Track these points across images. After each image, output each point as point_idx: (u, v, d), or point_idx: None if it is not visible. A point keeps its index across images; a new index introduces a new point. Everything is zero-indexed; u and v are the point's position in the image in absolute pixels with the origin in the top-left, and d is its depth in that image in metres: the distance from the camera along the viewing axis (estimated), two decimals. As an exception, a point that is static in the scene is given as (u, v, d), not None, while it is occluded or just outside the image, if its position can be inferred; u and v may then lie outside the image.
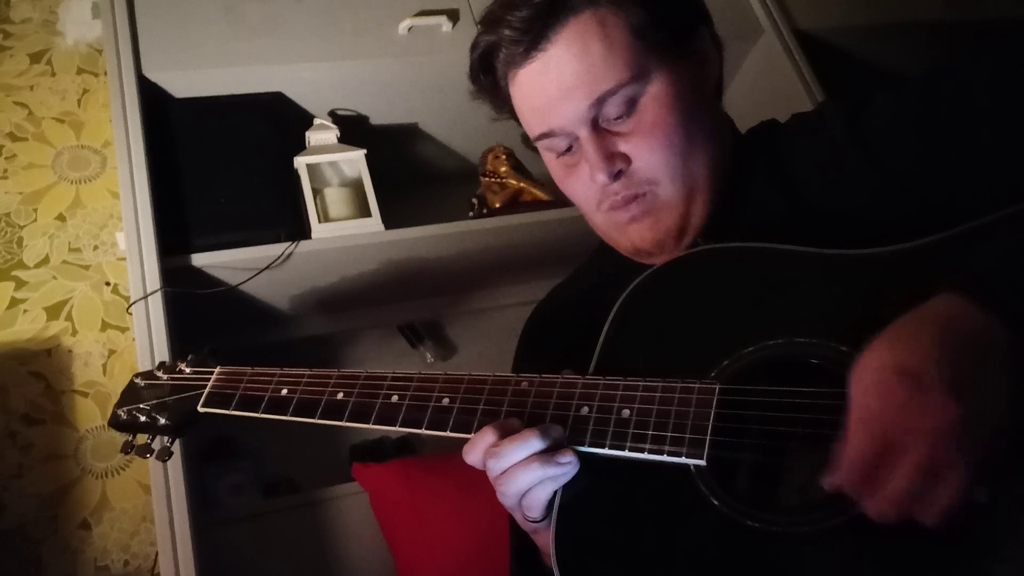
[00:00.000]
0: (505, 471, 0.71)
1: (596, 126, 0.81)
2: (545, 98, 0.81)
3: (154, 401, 0.94)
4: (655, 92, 0.80)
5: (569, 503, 0.71)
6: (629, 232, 0.84)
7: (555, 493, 0.72)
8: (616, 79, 0.79)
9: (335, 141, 1.61)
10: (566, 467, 0.70)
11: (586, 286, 1.00)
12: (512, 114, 0.88)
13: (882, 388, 0.56)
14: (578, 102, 0.79)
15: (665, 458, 0.68)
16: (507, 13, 0.81)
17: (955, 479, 0.53)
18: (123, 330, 1.58)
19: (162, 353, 1.28)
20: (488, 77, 0.86)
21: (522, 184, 1.75)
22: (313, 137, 1.60)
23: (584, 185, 0.84)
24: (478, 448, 0.73)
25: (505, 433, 0.72)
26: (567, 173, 0.86)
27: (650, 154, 0.80)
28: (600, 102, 0.79)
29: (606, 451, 0.71)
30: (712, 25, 0.89)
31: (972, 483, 0.53)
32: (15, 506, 1.41)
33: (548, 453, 0.70)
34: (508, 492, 0.72)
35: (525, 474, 0.70)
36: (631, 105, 0.80)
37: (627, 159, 0.81)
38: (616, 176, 0.81)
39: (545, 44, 0.80)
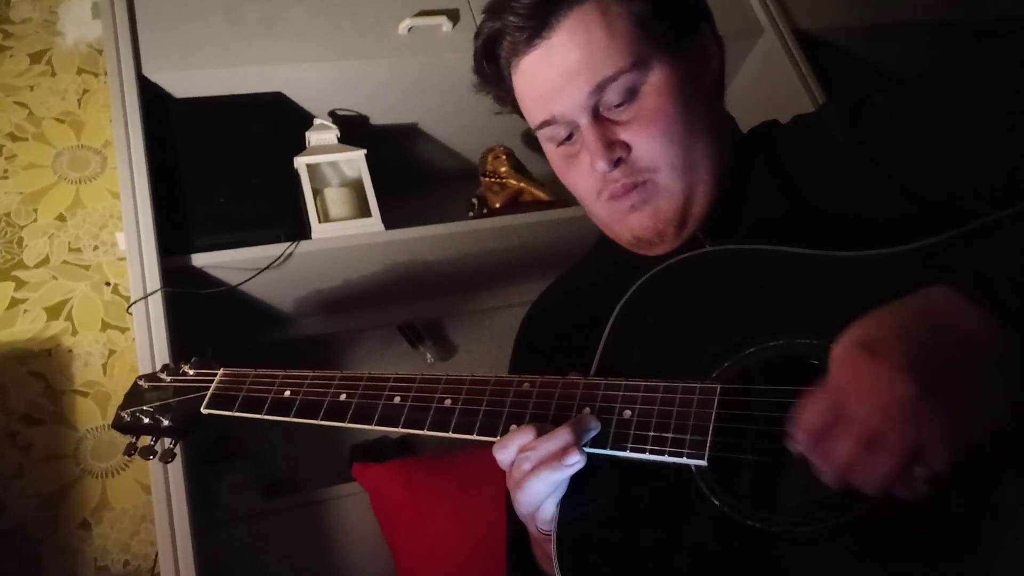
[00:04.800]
0: (524, 476, 0.70)
1: (597, 114, 0.81)
2: (547, 85, 0.81)
3: (157, 403, 0.94)
4: (656, 81, 0.80)
5: (570, 504, 0.71)
6: (630, 221, 0.84)
7: None
8: (616, 66, 0.79)
9: (335, 141, 1.61)
10: (573, 468, 0.69)
11: (584, 285, 1.00)
12: (514, 106, 0.88)
13: (844, 358, 0.57)
14: (578, 89, 0.80)
15: (666, 459, 0.68)
16: (511, 0, 0.81)
17: (894, 450, 0.54)
18: (123, 330, 1.58)
19: (162, 353, 1.28)
20: (491, 66, 0.86)
21: (522, 184, 1.75)
22: (313, 137, 1.60)
23: (584, 175, 0.84)
24: (511, 448, 0.72)
25: (541, 434, 0.71)
26: (568, 163, 0.86)
27: (650, 142, 0.80)
28: (600, 88, 0.80)
29: (607, 452, 0.71)
30: (713, 23, 0.89)
31: (915, 459, 0.54)
32: (15, 506, 1.41)
33: (558, 457, 0.69)
34: (523, 500, 0.71)
35: (537, 482, 0.69)
36: (632, 93, 0.80)
37: (627, 147, 0.81)
38: (616, 164, 0.81)
39: (548, 32, 0.80)
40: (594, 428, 0.71)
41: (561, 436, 0.69)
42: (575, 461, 0.69)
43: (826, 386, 0.58)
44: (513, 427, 0.74)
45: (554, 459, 0.69)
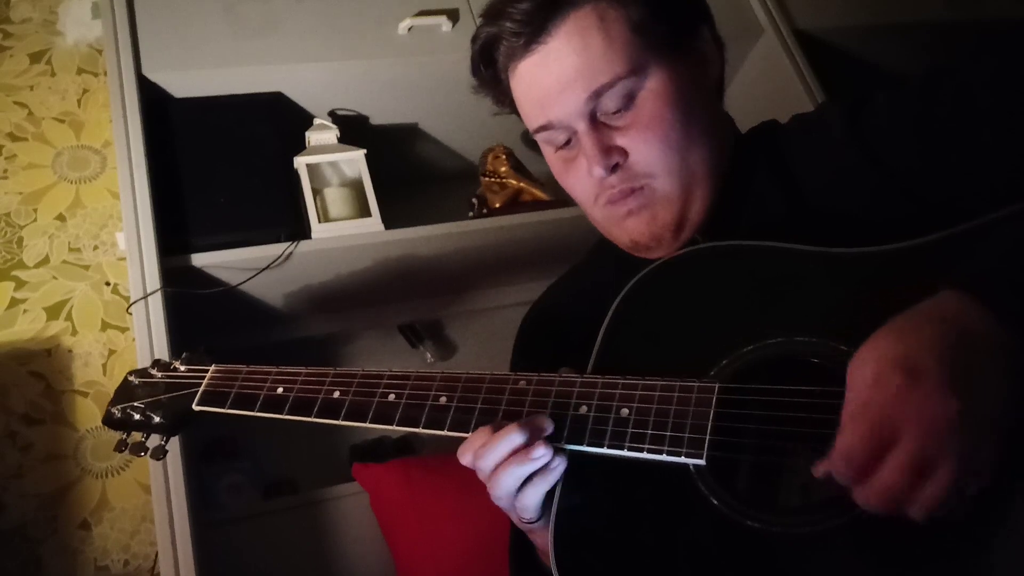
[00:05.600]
0: (491, 473, 0.71)
1: (594, 120, 0.81)
2: (544, 91, 0.81)
3: (148, 399, 0.93)
4: (653, 87, 0.80)
5: (567, 503, 0.71)
6: (627, 226, 0.84)
7: (550, 493, 0.72)
8: (613, 73, 0.79)
9: (335, 141, 1.61)
10: (539, 461, 0.70)
11: (585, 285, 1.00)
12: (513, 108, 0.88)
13: (879, 379, 0.56)
14: (575, 95, 0.80)
15: (664, 458, 0.68)
16: (508, 5, 0.81)
17: (945, 475, 0.53)
18: (123, 330, 1.58)
19: (162, 353, 1.28)
20: (489, 70, 0.86)
21: (522, 184, 1.75)
22: (313, 137, 1.60)
23: (582, 179, 0.84)
24: (466, 456, 0.73)
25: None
26: (566, 167, 0.86)
27: (647, 148, 0.80)
28: (597, 95, 0.79)
29: (604, 450, 0.70)
30: (713, 24, 0.89)
31: (962, 480, 0.53)
32: (15, 506, 1.41)
33: (526, 449, 0.70)
34: (497, 495, 0.72)
35: (505, 476, 0.70)
36: (629, 99, 0.80)
37: (624, 153, 0.81)
38: (613, 169, 0.81)
39: (545, 37, 0.80)
40: (546, 428, 0.72)
41: (510, 439, 0.70)
42: (541, 455, 0.70)
43: (859, 407, 0.57)
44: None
45: (516, 458, 0.70)
